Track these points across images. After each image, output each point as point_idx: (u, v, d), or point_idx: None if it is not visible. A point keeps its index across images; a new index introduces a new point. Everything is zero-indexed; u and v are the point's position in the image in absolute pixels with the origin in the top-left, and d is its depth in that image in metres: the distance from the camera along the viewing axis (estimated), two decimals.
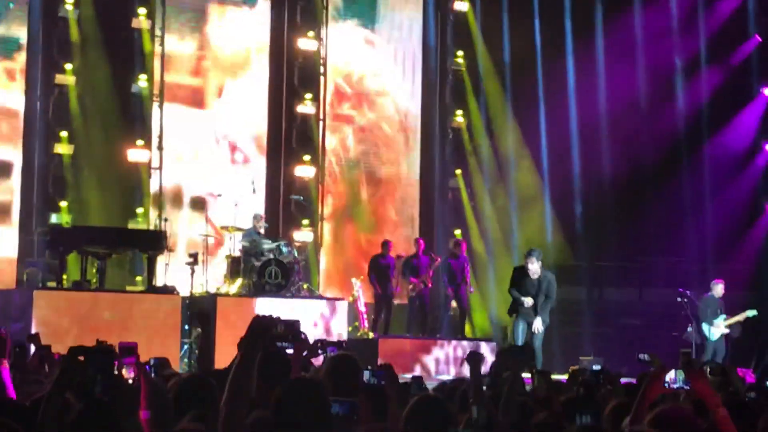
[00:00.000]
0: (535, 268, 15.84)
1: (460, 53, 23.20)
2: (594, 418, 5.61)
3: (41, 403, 4.53)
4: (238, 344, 7.00)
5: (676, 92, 22.86)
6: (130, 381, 5.08)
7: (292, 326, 4.34)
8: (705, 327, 18.08)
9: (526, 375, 7.76)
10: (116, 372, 4.84)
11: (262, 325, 4.32)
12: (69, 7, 18.91)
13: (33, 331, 13.58)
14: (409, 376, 10.29)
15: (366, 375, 5.69)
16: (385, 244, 19.34)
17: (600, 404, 6.03)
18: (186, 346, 16.59)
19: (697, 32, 22.81)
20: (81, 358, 4.65)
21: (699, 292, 18.53)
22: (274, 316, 4.33)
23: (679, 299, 18.49)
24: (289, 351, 6.27)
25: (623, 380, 8.42)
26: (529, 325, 15.89)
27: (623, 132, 22.23)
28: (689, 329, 18.31)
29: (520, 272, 16.05)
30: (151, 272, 17.38)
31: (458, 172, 22.99)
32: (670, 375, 8.07)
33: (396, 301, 19.49)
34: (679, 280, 19.95)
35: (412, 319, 19.63)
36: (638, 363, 8.40)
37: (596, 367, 8.49)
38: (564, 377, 14.58)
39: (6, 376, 4.77)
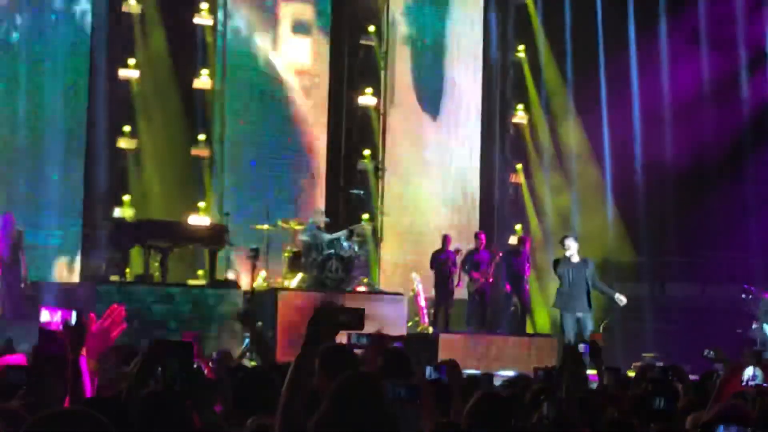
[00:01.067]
0: (574, 251, 15.83)
1: (521, 47, 23.07)
2: (669, 404, 5.53)
3: (121, 395, 4.58)
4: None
5: (741, 84, 22.55)
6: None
7: (357, 314, 4.30)
8: (765, 327, 17.86)
9: (592, 372, 7.69)
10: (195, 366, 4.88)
11: (326, 314, 4.29)
12: (132, 2, 19.06)
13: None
14: (469, 371, 10.26)
15: (428, 371, 5.66)
16: (444, 239, 19.29)
17: (677, 391, 5.95)
18: (248, 340, 16.65)
19: (763, 21, 22.48)
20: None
21: (763, 288, 18.28)
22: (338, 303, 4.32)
23: (743, 296, 18.26)
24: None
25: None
26: (578, 319, 15.82)
27: (687, 124, 21.97)
28: (754, 326, 18.08)
29: (563, 261, 16.02)
30: (212, 266, 17.50)
31: (519, 166, 22.87)
32: (748, 372, 7.95)
33: (456, 296, 19.43)
34: (743, 276, 19.70)
35: (472, 315, 19.56)
36: (703, 359, 8.31)
37: (660, 363, 8.40)
38: (627, 374, 14.47)
39: (84, 367, 4.81)
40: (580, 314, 15.91)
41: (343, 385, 4.46)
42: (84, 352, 4.80)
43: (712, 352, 7.93)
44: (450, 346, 17.16)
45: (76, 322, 4.80)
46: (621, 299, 16.40)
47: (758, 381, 8.07)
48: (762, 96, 22.36)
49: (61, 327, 4.79)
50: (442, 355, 16.47)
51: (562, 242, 16.39)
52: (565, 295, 16.06)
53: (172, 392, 4.46)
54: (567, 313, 15.98)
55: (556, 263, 16.41)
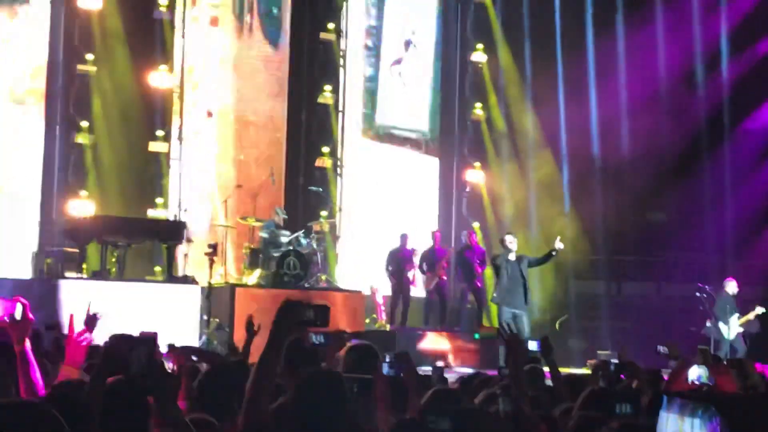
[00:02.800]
0: (514, 248, 16.02)
1: (479, 46, 23.15)
2: (633, 408, 5.58)
3: (74, 389, 4.58)
4: (245, 327, 7.00)
5: (697, 84, 22.78)
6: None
7: (322, 310, 4.32)
8: (721, 326, 18.03)
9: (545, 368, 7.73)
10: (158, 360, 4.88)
11: (292, 309, 4.30)
12: None
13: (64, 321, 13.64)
14: (426, 368, 10.29)
15: (384, 367, 5.68)
16: (402, 237, 19.34)
17: (638, 395, 6.00)
18: (204, 337, 16.63)
19: (718, 23, 22.71)
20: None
21: (718, 287, 18.47)
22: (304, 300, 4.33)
23: (697, 294, 18.44)
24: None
25: None
26: (514, 315, 15.93)
27: (644, 124, 22.16)
28: (708, 324, 18.26)
29: (501, 256, 16.21)
30: (170, 262, 17.45)
31: (477, 164, 22.96)
32: (694, 372, 8.01)
33: (415, 294, 19.49)
34: (698, 275, 19.89)
35: (430, 312, 19.63)
36: (657, 355, 8.37)
37: (615, 361, 8.45)
38: (583, 371, 14.59)
39: (30, 358, 4.82)
40: (516, 311, 16.05)
41: (306, 381, 4.48)
42: (28, 343, 4.82)
43: (665, 348, 8.00)
44: (407, 342, 17.22)
45: (21, 316, 4.81)
46: (557, 245, 16.44)
47: (703, 380, 8.15)
48: (717, 96, 22.61)
49: (6, 319, 4.80)
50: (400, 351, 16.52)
51: (502, 240, 16.58)
52: (504, 290, 16.22)
53: (134, 383, 4.47)
54: (505, 308, 16.13)
55: (495, 258, 16.64)
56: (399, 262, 19.15)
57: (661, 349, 7.92)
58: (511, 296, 16.12)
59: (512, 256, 16.15)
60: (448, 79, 23.12)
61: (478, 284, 19.53)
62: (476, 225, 22.19)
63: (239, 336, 15.10)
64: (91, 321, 6.01)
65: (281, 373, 5.28)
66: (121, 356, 4.68)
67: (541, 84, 22.94)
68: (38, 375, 4.86)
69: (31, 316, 4.89)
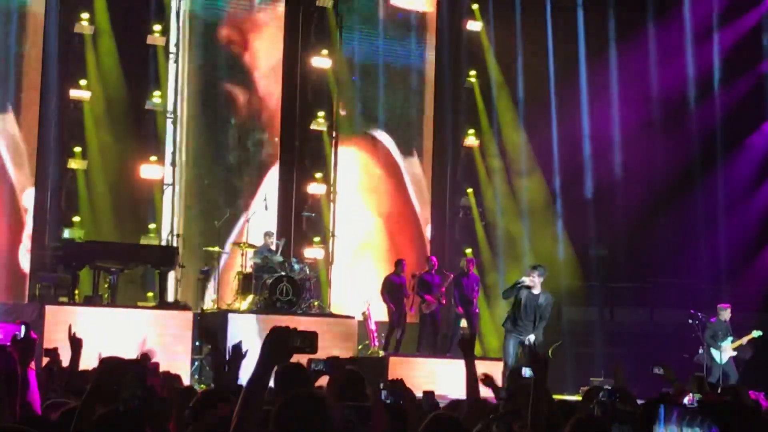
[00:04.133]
0: (537, 283, 15.92)
1: (472, 72, 23.21)
2: (632, 428, 5.56)
3: (70, 415, 4.56)
4: (230, 352, 7.01)
5: (689, 113, 22.85)
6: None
7: (310, 338, 4.31)
8: (713, 351, 18.03)
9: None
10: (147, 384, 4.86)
11: (280, 336, 4.29)
12: (84, 23, 18.99)
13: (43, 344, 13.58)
14: (419, 394, 10.26)
15: (383, 394, 5.67)
16: (399, 263, 19.32)
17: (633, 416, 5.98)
18: (197, 363, 16.58)
19: (711, 51, 22.81)
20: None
21: (710, 314, 18.46)
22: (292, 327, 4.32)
23: (690, 321, 18.42)
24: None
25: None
26: (521, 342, 15.90)
27: (636, 149, 22.22)
28: (700, 351, 18.25)
29: (522, 286, 16.11)
30: (162, 288, 17.44)
31: (470, 190, 22.97)
32: (688, 398, 7.99)
33: (408, 320, 19.45)
34: (691, 301, 19.88)
35: (423, 338, 19.59)
36: (653, 376, 8.35)
37: (608, 387, 8.42)
38: (576, 398, 14.56)
39: (33, 380, 4.80)
40: (521, 338, 16.02)
41: (286, 404, 4.47)
42: (32, 365, 4.81)
43: (660, 369, 7.99)
44: (400, 368, 17.17)
45: (25, 336, 4.79)
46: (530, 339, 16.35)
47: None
48: (710, 121, 22.68)
49: (8, 342, 4.79)
50: (392, 377, 16.47)
51: (535, 270, 16.39)
52: (518, 320, 16.12)
53: (130, 413, 4.45)
54: (514, 335, 16.05)
55: (519, 288, 16.38)
56: (395, 287, 19.11)
57: (656, 370, 7.91)
58: (523, 328, 16.08)
59: (536, 290, 16.05)
60: (441, 103, 23.13)
61: (476, 310, 19.53)
62: (468, 250, 22.18)
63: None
64: (74, 343, 6.00)
65: (273, 399, 5.26)
66: (112, 383, 4.67)
67: (533, 108, 22.99)
68: (37, 400, 4.84)
69: (34, 335, 4.89)
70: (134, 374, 4.79)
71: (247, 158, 21.17)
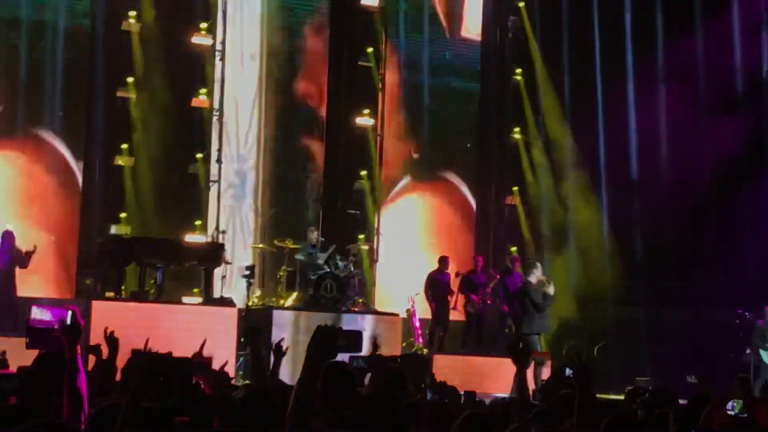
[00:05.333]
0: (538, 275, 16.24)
1: (518, 69, 23.15)
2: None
3: (108, 411, 4.60)
4: (273, 350, 7.07)
5: (738, 108, 22.61)
6: None
7: (354, 336, 4.35)
8: (762, 353, 17.87)
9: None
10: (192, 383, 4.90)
11: (325, 336, 4.33)
12: (131, 21, 19.12)
13: (91, 340, 13.68)
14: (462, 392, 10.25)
15: (428, 393, 5.70)
16: (443, 260, 19.30)
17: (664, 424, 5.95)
18: (242, 359, 16.67)
19: (761, 45, 22.57)
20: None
21: (758, 314, 18.30)
22: (337, 326, 4.36)
23: (737, 320, 18.27)
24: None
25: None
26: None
27: (684, 147, 22.04)
28: (748, 352, 18.09)
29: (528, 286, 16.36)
30: (208, 284, 17.53)
31: (515, 188, 22.91)
32: (730, 404, 7.93)
33: (453, 318, 19.44)
34: (738, 301, 19.71)
35: (468, 336, 19.57)
36: (686, 385, 8.30)
37: (650, 387, 8.37)
38: (620, 397, 14.47)
39: (80, 365, 4.86)
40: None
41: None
42: (79, 349, 4.87)
43: (695, 378, 7.94)
44: (444, 366, 17.18)
45: (72, 321, 4.85)
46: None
47: (735, 411, 8.06)
48: (760, 118, 22.44)
49: (56, 326, 4.85)
50: (437, 375, 16.50)
51: (531, 267, 16.67)
52: (536, 317, 16.43)
53: (164, 410, 4.48)
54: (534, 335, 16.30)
55: (527, 290, 16.65)
56: (439, 285, 19.11)
57: (690, 378, 7.87)
58: (542, 321, 16.32)
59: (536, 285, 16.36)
60: (487, 102, 23.09)
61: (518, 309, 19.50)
62: (513, 249, 22.12)
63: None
64: (111, 342, 6.07)
65: (319, 398, 5.29)
66: (158, 377, 4.70)
67: (579, 109, 22.88)
68: (84, 385, 4.89)
69: (81, 321, 4.95)
70: (179, 372, 4.83)
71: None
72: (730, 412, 8.14)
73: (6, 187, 18.34)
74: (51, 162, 18.70)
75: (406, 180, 22.13)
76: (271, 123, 20.99)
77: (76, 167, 18.96)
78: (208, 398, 6.60)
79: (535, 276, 16.68)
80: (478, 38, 23.08)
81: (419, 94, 22.52)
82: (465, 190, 22.73)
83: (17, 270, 16.95)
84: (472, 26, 23.10)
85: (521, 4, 23.11)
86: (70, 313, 4.89)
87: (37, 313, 4.94)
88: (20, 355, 10.48)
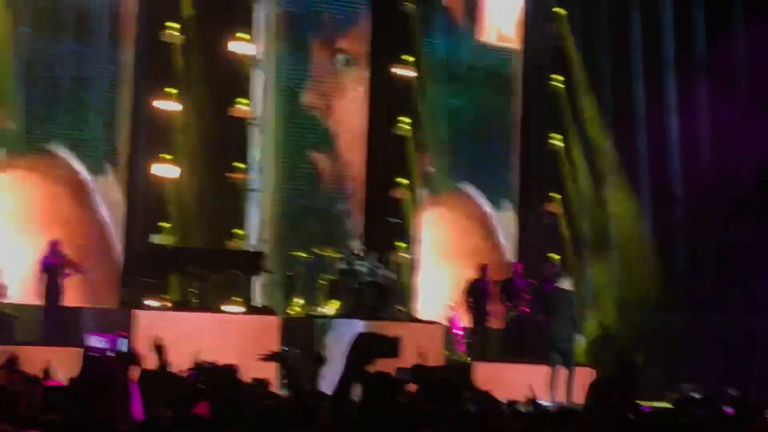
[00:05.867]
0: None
1: (557, 76, 23.10)
2: None
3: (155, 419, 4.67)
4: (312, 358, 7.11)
5: None
6: None
7: (393, 343, 4.38)
8: None
9: None
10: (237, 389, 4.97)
11: (364, 342, 4.35)
12: (172, 32, 19.25)
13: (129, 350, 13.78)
14: (504, 400, 10.28)
15: (469, 402, 5.72)
16: (483, 268, 19.30)
17: None
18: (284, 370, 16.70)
19: None
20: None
21: None
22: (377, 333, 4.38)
23: None
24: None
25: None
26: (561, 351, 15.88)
27: (725, 151, 21.90)
28: None
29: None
30: (249, 293, 17.62)
31: (556, 195, 22.84)
32: None
33: (494, 326, 19.41)
34: None
35: (509, 344, 19.53)
36: (727, 398, 8.28)
37: (697, 396, 8.37)
38: (662, 404, 14.41)
39: (134, 391, 4.93)
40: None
41: None
42: (134, 377, 4.93)
43: (734, 391, 7.93)
44: (486, 374, 17.16)
45: (128, 349, 4.94)
46: None
47: None
48: None
49: (111, 353, 4.93)
50: (478, 384, 16.48)
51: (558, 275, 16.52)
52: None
53: (221, 415, 4.55)
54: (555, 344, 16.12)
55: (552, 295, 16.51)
56: (479, 293, 19.10)
57: (732, 392, 7.86)
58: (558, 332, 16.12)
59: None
60: (527, 110, 23.07)
61: None
62: (555, 256, 22.05)
63: None
64: (158, 349, 6.15)
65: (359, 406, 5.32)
66: (205, 389, 4.77)
67: (619, 110, 22.79)
68: (138, 409, 4.95)
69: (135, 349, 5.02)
70: (224, 383, 4.90)
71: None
72: None
73: (37, 203, 18.51)
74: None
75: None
76: None
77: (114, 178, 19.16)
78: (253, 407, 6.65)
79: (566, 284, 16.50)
80: (511, 44, 23.06)
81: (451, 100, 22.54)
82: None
83: (65, 279, 17.07)
84: (506, 32, 23.08)
85: (560, 10, 23.07)
86: (124, 341, 4.98)
87: (94, 341, 5.04)
88: (68, 366, 10.63)
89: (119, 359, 4.92)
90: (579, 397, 15.73)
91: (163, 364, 7.55)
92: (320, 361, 7.30)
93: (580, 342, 16.12)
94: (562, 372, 16.03)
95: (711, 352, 21.30)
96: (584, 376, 17.09)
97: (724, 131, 21.93)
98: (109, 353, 4.89)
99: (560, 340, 15.89)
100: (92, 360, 5.27)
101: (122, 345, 4.88)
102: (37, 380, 7.23)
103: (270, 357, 7.39)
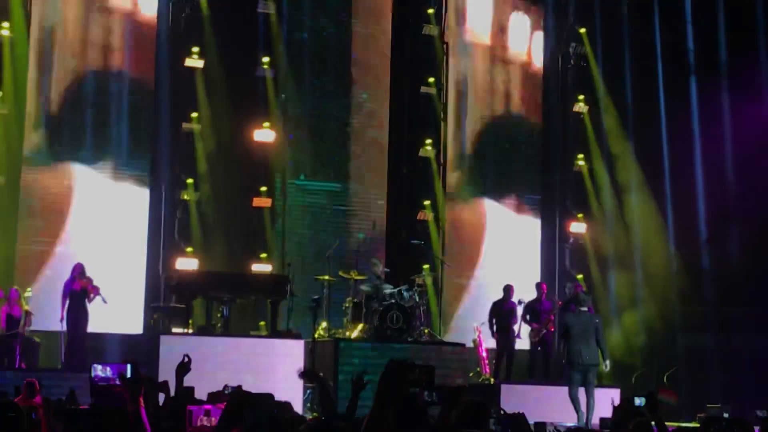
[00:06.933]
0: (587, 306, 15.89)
1: (581, 96, 23.07)
2: None
3: None
4: (352, 383, 7.05)
5: None
6: None
7: (428, 371, 4.32)
8: None
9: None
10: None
11: (399, 370, 4.30)
12: (195, 57, 19.33)
13: (159, 376, 13.75)
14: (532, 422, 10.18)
15: (491, 424, 5.65)
16: (507, 289, 19.21)
17: None
18: (309, 391, 16.67)
19: None
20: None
21: None
22: (409, 360, 4.34)
23: None
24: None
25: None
26: (584, 376, 15.65)
27: (751, 172, 21.78)
28: None
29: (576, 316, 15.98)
30: (274, 316, 17.60)
31: (580, 215, 22.77)
32: None
33: (519, 347, 19.31)
34: None
35: (535, 365, 19.43)
36: (758, 418, 8.16)
37: (726, 415, 8.26)
38: (692, 425, 14.28)
39: (144, 417, 4.87)
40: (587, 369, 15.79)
41: None
42: (142, 403, 4.88)
43: (765, 413, 7.83)
44: (512, 396, 17.05)
45: (132, 375, 4.89)
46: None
47: None
48: None
49: (117, 381, 4.88)
50: (504, 405, 16.37)
51: (581, 301, 16.31)
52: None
53: None
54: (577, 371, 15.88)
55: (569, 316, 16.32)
56: (504, 314, 19.01)
57: (760, 413, 7.76)
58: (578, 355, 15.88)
59: (583, 309, 16.02)
60: (550, 130, 23.04)
61: None
62: (580, 276, 21.95)
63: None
64: (181, 368, 6.11)
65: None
66: (241, 413, 4.73)
67: (644, 135, 22.72)
68: None
69: (142, 374, 4.98)
70: (261, 407, 4.86)
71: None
72: None
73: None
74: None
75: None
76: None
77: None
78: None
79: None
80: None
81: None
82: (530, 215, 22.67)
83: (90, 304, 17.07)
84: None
85: (582, 30, 23.06)
86: (129, 366, 4.93)
87: (99, 370, 4.99)
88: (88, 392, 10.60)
89: (126, 387, 4.86)
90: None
91: (179, 382, 7.51)
92: (361, 385, 7.25)
93: (604, 366, 15.90)
94: (582, 395, 15.88)
95: (740, 373, 21.14)
96: (608, 396, 16.99)
97: (752, 148, 21.78)
98: (116, 381, 4.82)
99: (584, 364, 15.72)
100: (100, 389, 5.22)
101: (128, 371, 4.81)
102: (59, 405, 7.19)
103: (308, 375, 7.41)
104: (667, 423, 7.42)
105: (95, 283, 16.98)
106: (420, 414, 5.68)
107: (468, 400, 6.04)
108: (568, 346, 15.64)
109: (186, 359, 6.88)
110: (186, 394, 8.43)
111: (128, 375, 4.90)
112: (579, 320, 15.72)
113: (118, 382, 4.90)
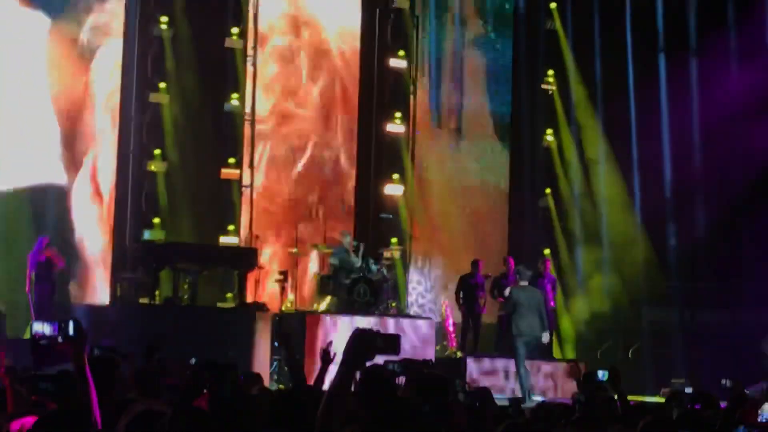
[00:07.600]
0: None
1: (550, 71, 23.08)
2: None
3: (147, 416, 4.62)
4: (320, 356, 7.09)
5: None
6: None
7: (393, 341, 4.33)
8: None
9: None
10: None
11: (364, 339, 4.31)
12: (163, 26, 19.19)
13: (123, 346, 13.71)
14: (497, 397, 10.20)
15: (461, 396, 5.68)
16: (475, 264, 19.26)
17: (703, 422, 5.91)
18: (276, 363, 16.69)
19: None
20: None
21: None
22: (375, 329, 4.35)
23: None
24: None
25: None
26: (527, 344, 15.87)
27: (717, 150, 21.89)
28: None
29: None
30: (241, 289, 17.57)
31: (548, 191, 22.83)
32: (765, 408, 7.83)
33: (486, 321, 19.40)
34: None
35: (501, 339, 19.51)
36: (722, 389, 8.22)
37: (689, 390, 8.32)
38: (655, 399, 14.39)
39: (89, 378, 4.85)
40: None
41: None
42: (86, 359, 4.86)
43: (729, 382, 7.90)
44: (479, 370, 17.14)
45: (75, 332, 4.84)
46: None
47: (765, 418, 7.95)
48: None
49: (59, 339, 4.83)
50: (470, 379, 16.47)
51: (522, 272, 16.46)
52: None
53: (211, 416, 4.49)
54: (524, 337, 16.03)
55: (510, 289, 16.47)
56: (470, 288, 19.07)
57: (725, 382, 7.80)
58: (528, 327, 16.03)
59: (524, 283, 16.19)
60: (519, 105, 23.05)
61: (549, 311, 19.41)
62: (547, 251, 22.03)
63: (309, 363, 15.15)
64: (326, 355, 6.21)
65: (355, 401, 5.28)
66: (205, 382, 4.72)
67: (612, 110, 22.77)
68: (95, 397, 4.89)
69: (83, 331, 4.92)
70: (225, 377, 4.85)
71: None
72: (760, 419, 8.05)
73: None
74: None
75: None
76: None
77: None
78: (254, 401, 6.59)
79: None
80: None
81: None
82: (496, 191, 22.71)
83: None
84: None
85: (553, 6, 23.06)
86: (72, 323, 4.86)
87: (39, 328, 4.92)
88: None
89: (70, 343, 4.82)
90: (566, 391, 15.76)
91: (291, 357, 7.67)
92: (329, 358, 7.28)
93: (546, 337, 16.11)
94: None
95: (705, 348, 21.29)
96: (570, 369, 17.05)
97: (719, 126, 21.89)
98: (58, 339, 4.76)
99: (532, 335, 15.94)
100: (42, 348, 5.20)
101: (71, 328, 4.75)
102: (25, 373, 7.19)
103: (281, 338, 7.50)
104: (630, 397, 7.45)
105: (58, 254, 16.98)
106: (385, 384, 5.70)
107: (431, 372, 6.08)
108: (516, 319, 15.84)
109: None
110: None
111: (71, 332, 4.83)
112: (525, 294, 15.92)
113: (60, 340, 4.83)
